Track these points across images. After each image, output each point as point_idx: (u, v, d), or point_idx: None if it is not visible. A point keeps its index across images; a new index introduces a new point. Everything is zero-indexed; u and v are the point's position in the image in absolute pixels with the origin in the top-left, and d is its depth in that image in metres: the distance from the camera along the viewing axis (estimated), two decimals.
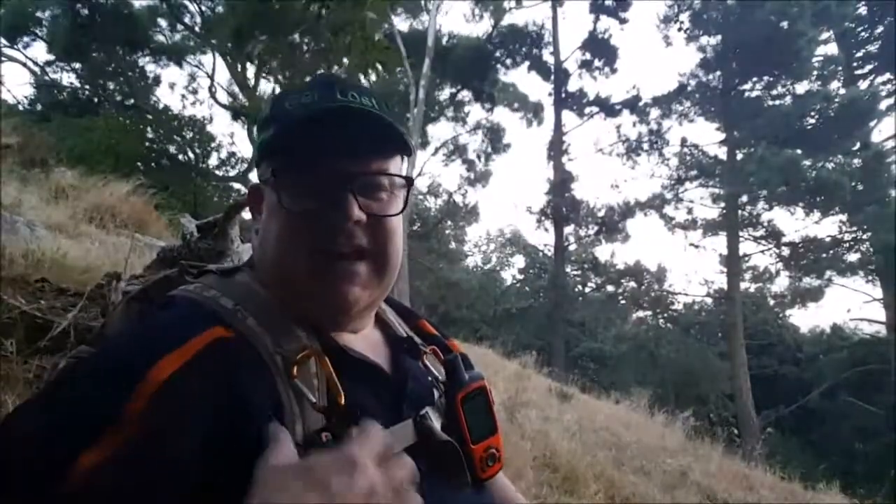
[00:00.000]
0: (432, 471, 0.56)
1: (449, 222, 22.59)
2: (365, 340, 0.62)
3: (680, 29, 17.85)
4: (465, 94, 19.41)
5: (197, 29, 14.59)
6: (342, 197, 0.54)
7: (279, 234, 0.57)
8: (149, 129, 12.66)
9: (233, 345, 0.49)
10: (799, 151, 15.39)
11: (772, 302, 17.88)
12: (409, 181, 0.61)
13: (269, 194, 0.59)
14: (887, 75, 15.56)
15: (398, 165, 0.61)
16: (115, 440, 0.40)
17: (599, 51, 18.47)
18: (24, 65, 14.00)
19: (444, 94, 19.73)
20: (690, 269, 38.82)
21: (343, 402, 0.50)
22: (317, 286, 0.56)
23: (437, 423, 0.59)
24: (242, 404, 0.45)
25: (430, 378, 0.64)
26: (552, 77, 19.06)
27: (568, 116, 19.27)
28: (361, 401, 0.53)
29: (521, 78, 47.66)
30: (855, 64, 16.35)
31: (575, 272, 22.22)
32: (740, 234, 16.97)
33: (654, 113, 18.26)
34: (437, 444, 0.57)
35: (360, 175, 0.57)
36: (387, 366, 0.62)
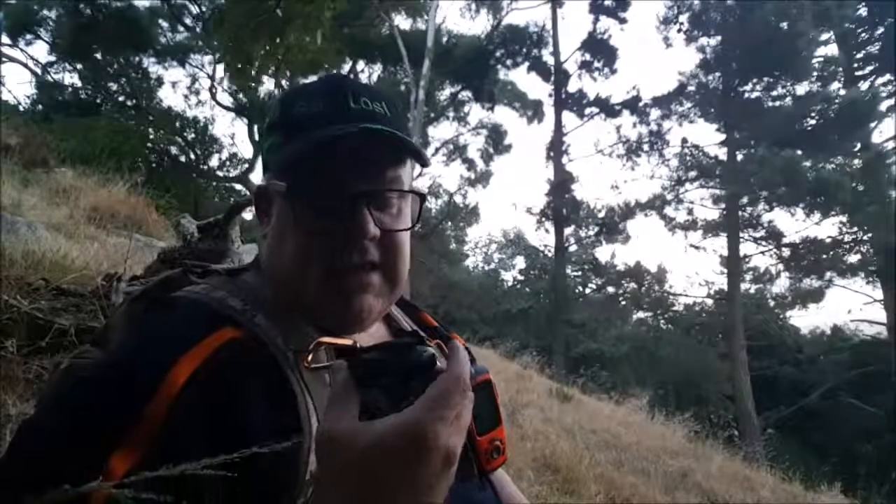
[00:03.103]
0: None
1: (449, 223, 22.60)
2: (371, 337, 0.63)
3: (680, 30, 17.88)
4: (466, 94, 19.44)
5: (198, 30, 14.60)
6: (358, 214, 0.54)
7: (293, 249, 0.57)
8: (150, 129, 12.68)
9: (244, 344, 0.50)
10: (799, 152, 15.39)
11: (772, 303, 17.86)
12: (422, 196, 0.62)
13: (280, 204, 0.59)
14: (888, 76, 15.55)
15: (411, 175, 0.61)
16: (143, 441, 0.41)
17: (599, 51, 18.48)
18: (26, 65, 14.00)
19: (445, 94, 19.76)
20: (691, 270, 38.82)
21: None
22: (330, 298, 0.56)
23: None
24: (257, 403, 0.46)
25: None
26: (552, 78, 19.07)
27: (568, 117, 19.30)
28: None
29: (521, 77, 47.69)
30: (855, 65, 16.34)
31: (575, 273, 22.22)
32: (741, 234, 16.96)
33: (655, 114, 18.29)
34: None
35: (375, 191, 0.57)
36: None
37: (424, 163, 0.61)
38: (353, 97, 0.57)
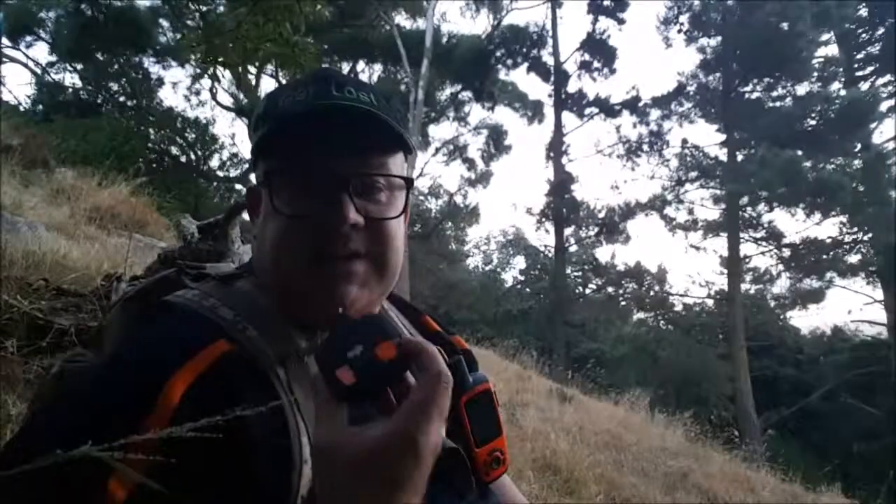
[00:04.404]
0: (437, 476, 0.55)
1: (450, 223, 22.59)
2: None
3: (680, 30, 17.89)
4: (466, 94, 19.45)
5: (199, 30, 14.59)
6: (338, 199, 0.52)
7: (275, 239, 0.55)
8: (151, 130, 12.69)
9: (236, 359, 0.49)
10: (799, 152, 15.39)
11: (772, 303, 17.85)
12: (409, 182, 0.59)
13: (264, 197, 0.57)
14: (888, 77, 15.56)
15: (398, 164, 0.59)
16: (140, 463, 0.40)
17: (598, 51, 18.49)
18: (26, 65, 14.02)
19: (445, 94, 19.77)
20: (691, 270, 38.79)
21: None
22: (313, 288, 0.54)
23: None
24: (247, 422, 0.45)
25: None
26: (552, 78, 19.08)
27: (568, 117, 19.31)
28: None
29: (521, 77, 47.69)
30: (855, 65, 16.35)
31: (576, 273, 22.22)
32: (741, 235, 16.96)
33: (655, 114, 18.30)
34: (442, 450, 0.57)
35: (356, 176, 0.54)
36: None
37: (409, 148, 0.59)
38: (337, 86, 0.55)
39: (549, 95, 19.39)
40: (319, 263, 0.54)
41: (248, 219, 0.67)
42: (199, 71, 13.97)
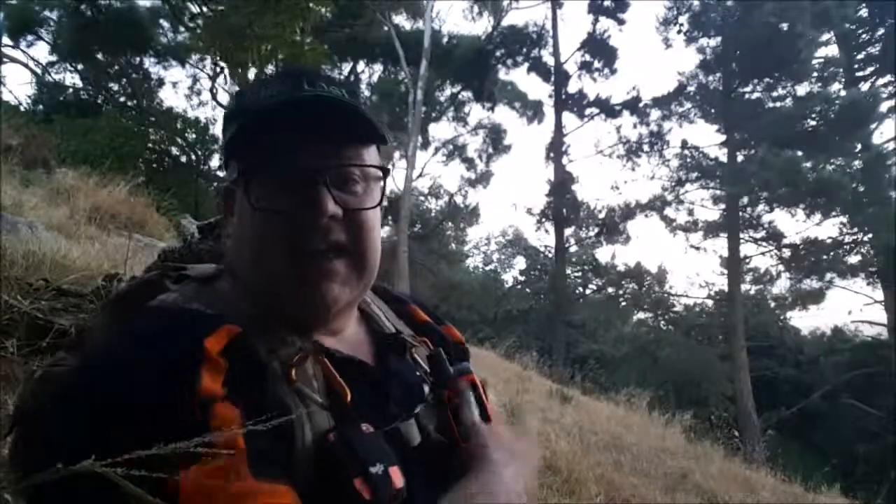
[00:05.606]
0: (425, 470, 0.55)
1: (450, 223, 22.59)
2: (348, 342, 0.60)
3: (679, 31, 17.90)
4: (466, 94, 19.45)
5: (198, 31, 14.60)
6: (315, 192, 0.52)
7: (253, 237, 0.54)
8: (151, 130, 12.67)
9: (245, 341, 0.48)
10: (800, 153, 15.40)
11: (772, 304, 17.85)
12: (385, 171, 0.59)
13: (239, 195, 0.55)
14: (888, 77, 15.56)
15: (373, 155, 0.58)
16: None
17: (599, 52, 18.50)
18: (27, 65, 14.01)
19: (445, 94, 19.77)
20: (691, 270, 38.77)
21: (349, 400, 0.50)
22: (294, 286, 0.53)
23: (429, 422, 0.59)
24: (251, 407, 0.44)
25: (418, 374, 0.63)
26: (552, 78, 19.09)
27: (568, 118, 19.32)
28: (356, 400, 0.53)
29: (521, 77, 47.72)
30: (856, 66, 16.35)
31: (576, 274, 22.22)
32: (741, 235, 16.96)
33: (655, 114, 18.29)
34: (430, 444, 0.57)
35: (332, 168, 0.54)
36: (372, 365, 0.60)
37: (383, 139, 0.59)
38: (308, 81, 0.54)
39: (550, 95, 19.43)
40: (299, 261, 0.53)
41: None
42: (210, 73, 13.98)
